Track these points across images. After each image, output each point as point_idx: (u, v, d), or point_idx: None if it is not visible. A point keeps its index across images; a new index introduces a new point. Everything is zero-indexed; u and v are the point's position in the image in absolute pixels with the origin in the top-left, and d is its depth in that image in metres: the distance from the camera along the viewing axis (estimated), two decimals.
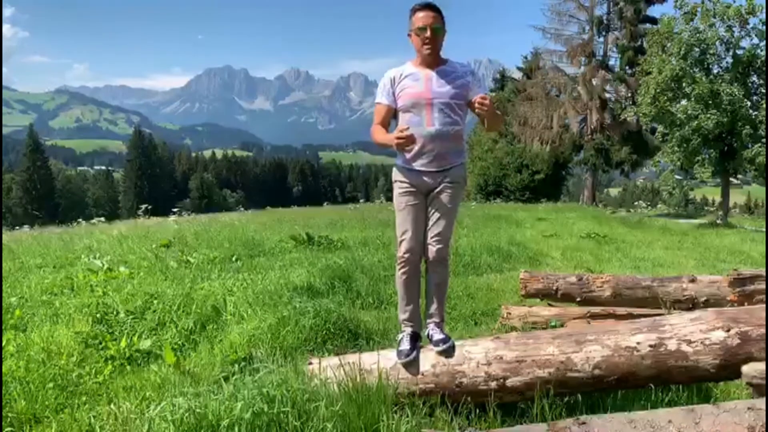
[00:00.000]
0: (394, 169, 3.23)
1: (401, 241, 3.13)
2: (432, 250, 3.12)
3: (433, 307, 3.23)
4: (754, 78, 18.89)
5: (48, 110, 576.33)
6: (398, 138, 2.87)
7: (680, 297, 4.61)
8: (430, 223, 3.14)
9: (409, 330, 3.18)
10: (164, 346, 3.88)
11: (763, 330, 2.58)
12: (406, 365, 3.00)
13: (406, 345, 3.08)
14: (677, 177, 21.35)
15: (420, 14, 3.02)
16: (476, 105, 2.89)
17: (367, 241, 9.00)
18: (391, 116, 3.15)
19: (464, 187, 3.29)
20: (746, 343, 2.57)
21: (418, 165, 3.09)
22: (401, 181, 3.15)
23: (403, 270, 3.15)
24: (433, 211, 3.13)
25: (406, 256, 3.12)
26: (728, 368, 2.59)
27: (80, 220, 15.05)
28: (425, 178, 3.10)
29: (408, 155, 3.07)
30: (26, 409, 3.10)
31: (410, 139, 2.90)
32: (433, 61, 3.07)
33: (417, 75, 3.06)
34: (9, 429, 2.97)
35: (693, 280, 4.66)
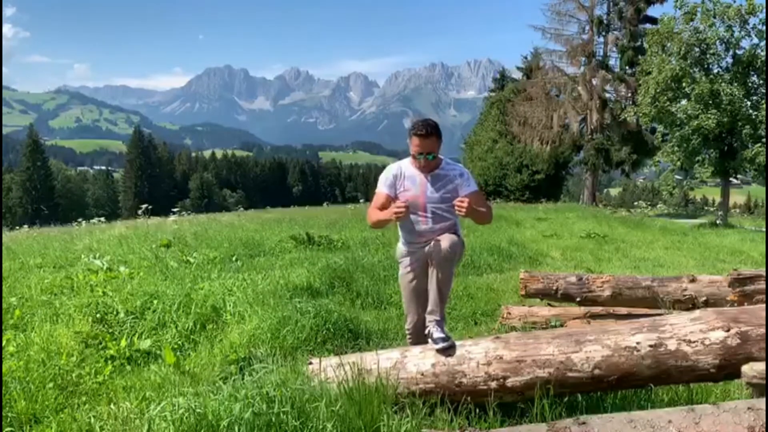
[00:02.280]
0: (397, 247, 3.60)
1: (407, 315, 3.57)
2: (438, 248, 3.20)
3: (435, 306, 3.25)
4: (754, 78, 18.89)
5: (48, 110, 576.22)
6: (397, 209, 3.16)
7: (680, 297, 4.61)
8: (438, 226, 3.35)
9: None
10: (164, 347, 3.88)
11: (763, 330, 2.58)
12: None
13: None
14: (677, 177, 21.28)
15: (416, 141, 3.31)
16: (456, 208, 3.15)
17: (367, 241, 9.00)
18: (389, 205, 3.39)
19: (462, 242, 3.45)
20: (746, 343, 2.57)
21: (416, 247, 3.44)
22: (404, 260, 3.51)
23: (411, 339, 3.55)
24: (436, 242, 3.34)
25: (413, 330, 3.52)
26: (728, 368, 2.59)
27: (80, 220, 15.04)
28: (425, 249, 3.40)
29: (408, 238, 3.44)
30: (26, 409, 3.10)
31: (407, 210, 3.20)
32: (428, 168, 3.39)
33: (414, 179, 3.39)
34: (9, 429, 2.97)
35: (693, 280, 4.66)
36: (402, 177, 3.42)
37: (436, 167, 3.40)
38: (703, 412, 2.22)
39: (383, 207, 3.39)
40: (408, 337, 3.59)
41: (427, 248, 3.33)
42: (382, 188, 3.44)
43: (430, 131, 3.30)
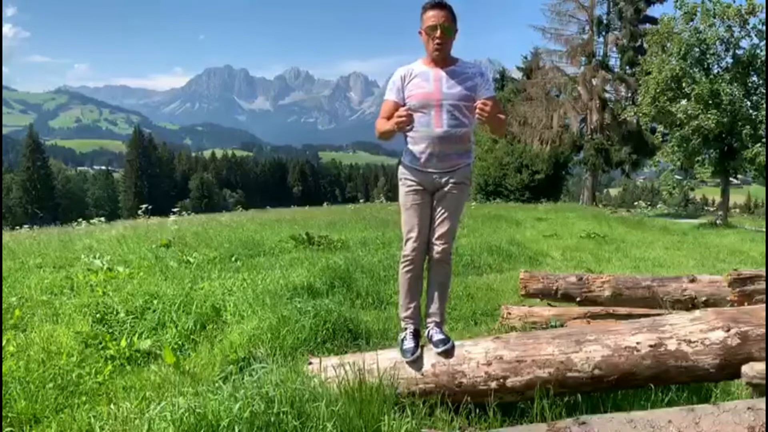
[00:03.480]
0: (400, 167, 3.22)
1: (407, 240, 3.13)
2: (436, 249, 3.13)
3: (434, 307, 3.22)
4: (754, 78, 18.86)
5: (48, 110, 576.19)
6: (398, 117, 2.86)
7: (680, 297, 4.61)
8: (435, 222, 3.15)
9: (410, 328, 3.19)
10: (164, 347, 3.88)
11: (763, 330, 2.58)
12: (410, 363, 3.00)
13: (410, 343, 3.08)
14: (677, 177, 21.29)
15: (430, 12, 2.98)
16: (477, 111, 2.86)
17: (367, 241, 9.00)
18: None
19: (469, 186, 3.29)
20: (746, 343, 2.57)
21: (424, 165, 3.08)
22: (407, 179, 3.15)
23: (407, 268, 3.16)
24: (438, 210, 3.14)
25: (413, 254, 3.13)
26: (728, 368, 2.59)
27: (80, 220, 15.04)
28: (432, 177, 3.11)
29: (415, 154, 3.08)
30: (26, 409, 3.10)
31: (410, 118, 2.89)
32: (443, 60, 3.04)
33: (427, 75, 3.03)
34: (9, 429, 2.97)
35: (693, 280, 4.66)
36: (411, 76, 3.06)
37: (452, 63, 3.06)
38: (703, 412, 2.22)
39: (390, 116, 3.03)
40: (406, 267, 3.16)
41: (430, 247, 3.08)
42: (388, 96, 3.12)
43: (444, 3, 2.99)
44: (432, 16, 2.97)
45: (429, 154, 3.06)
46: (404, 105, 3.05)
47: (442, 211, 3.13)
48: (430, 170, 3.09)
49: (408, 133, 3.09)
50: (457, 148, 3.09)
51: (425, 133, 3.02)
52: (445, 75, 3.02)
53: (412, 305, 3.22)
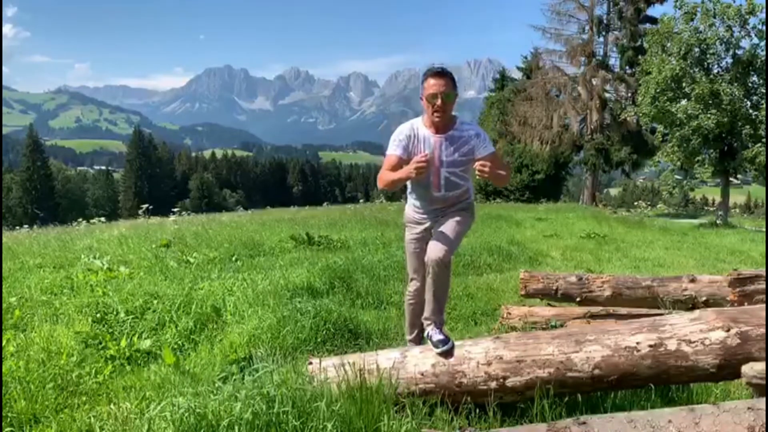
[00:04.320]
0: (405, 210, 3.46)
1: (411, 280, 3.45)
2: (434, 255, 3.12)
3: (434, 309, 3.24)
4: (754, 78, 18.88)
5: (48, 110, 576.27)
6: (418, 163, 2.93)
7: (680, 297, 4.61)
8: (437, 229, 3.23)
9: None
10: (163, 347, 3.88)
11: (763, 330, 2.58)
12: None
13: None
14: (677, 177, 21.27)
15: (431, 81, 3.11)
16: (477, 171, 2.97)
17: (367, 241, 9.00)
18: (401, 167, 3.18)
19: (470, 214, 3.38)
20: (746, 343, 2.57)
21: (425, 216, 3.32)
22: (411, 225, 3.40)
23: (411, 302, 3.46)
24: (441, 222, 3.26)
25: (416, 293, 3.43)
26: (728, 368, 2.58)
27: (80, 220, 15.02)
28: (433, 221, 3.32)
29: (416, 205, 3.34)
30: (26, 409, 3.10)
31: (428, 163, 2.99)
32: (443, 125, 3.17)
33: (428, 141, 3.17)
34: (9, 429, 2.97)
35: (693, 280, 4.66)
36: (415, 138, 3.18)
37: (451, 127, 3.18)
38: (703, 412, 2.22)
39: (394, 170, 3.16)
40: (409, 301, 3.45)
41: (428, 249, 3.19)
42: (393, 150, 3.20)
43: (446, 71, 3.14)
44: (433, 85, 3.10)
45: (429, 209, 3.31)
46: (409, 160, 3.13)
47: (442, 222, 3.25)
48: (430, 219, 3.32)
49: (409, 187, 3.33)
50: (456, 200, 3.29)
51: (424, 193, 3.26)
52: (445, 142, 3.17)
53: (416, 331, 3.50)
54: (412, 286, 3.44)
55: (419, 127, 3.22)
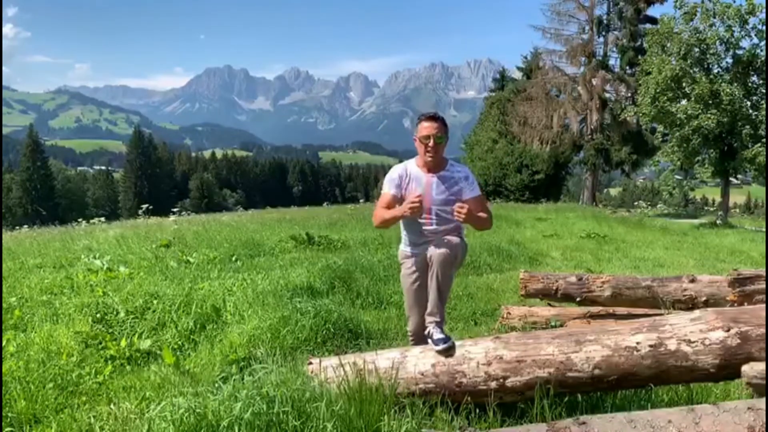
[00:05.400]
0: (400, 249, 3.58)
1: (409, 318, 3.55)
2: (438, 251, 3.17)
3: (434, 307, 3.24)
4: (754, 78, 18.88)
5: (48, 110, 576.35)
6: (412, 203, 3.12)
7: (680, 297, 4.61)
8: (443, 228, 3.33)
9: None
10: (163, 347, 3.88)
11: (763, 330, 2.57)
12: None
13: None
14: (677, 177, 21.27)
15: (425, 124, 3.33)
16: (455, 213, 3.13)
17: (367, 241, 9.00)
18: (395, 205, 3.39)
19: (464, 247, 3.42)
20: (746, 343, 2.57)
21: (418, 248, 3.42)
22: (405, 263, 3.50)
23: (413, 341, 3.53)
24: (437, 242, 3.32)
25: (415, 332, 3.50)
26: (728, 368, 2.58)
27: (80, 220, 15.02)
28: (427, 250, 3.36)
29: (410, 242, 3.44)
30: (26, 409, 3.10)
31: (422, 204, 3.16)
32: (435, 165, 3.36)
33: (420, 180, 3.37)
34: (9, 429, 2.97)
35: (693, 280, 4.66)
36: (407, 177, 3.40)
37: (442, 168, 3.38)
38: (703, 412, 2.22)
39: (389, 207, 3.37)
40: (410, 339, 3.58)
41: (429, 250, 3.29)
42: (387, 189, 3.42)
43: (438, 116, 3.37)
44: (426, 127, 3.32)
45: (421, 242, 3.42)
46: (402, 199, 3.36)
47: (438, 242, 3.29)
48: (423, 250, 3.39)
49: (402, 224, 3.45)
50: (446, 234, 3.37)
51: (417, 228, 3.40)
52: (436, 181, 3.36)
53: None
54: (410, 325, 3.55)
55: (412, 167, 3.43)
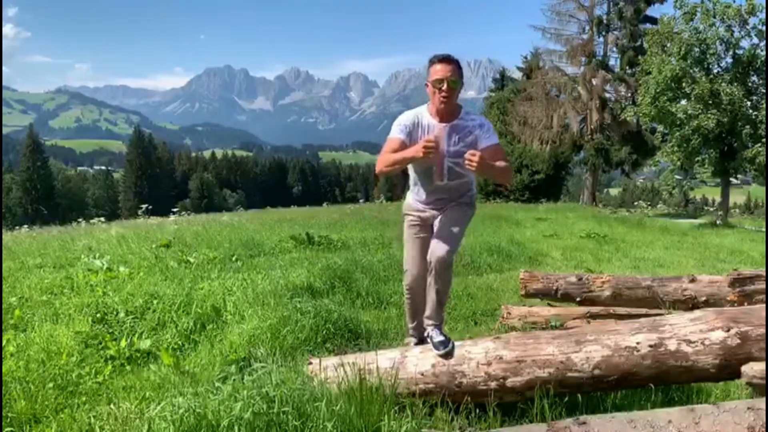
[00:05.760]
0: (405, 202, 3.40)
1: (407, 272, 3.32)
2: (437, 254, 3.11)
3: (434, 310, 3.24)
4: (754, 78, 18.88)
5: (48, 110, 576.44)
6: (427, 143, 2.83)
7: (680, 297, 4.61)
8: (438, 226, 3.20)
9: (414, 339, 3.40)
10: (161, 349, 3.88)
11: (763, 330, 2.57)
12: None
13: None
14: (677, 177, 21.24)
15: (438, 66, 3.06)
16: (465, 162, 2.87)
17: (367, 241, 9.00)
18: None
19: (472, 210, 3.34)
20: (746, 343, 2.57)
21: (426, 205, 3.26)
22: (409, 214, 3.33)
23: (408, 296, 3.37)
24: (442, 219, 3.22)
25: (412, 284, 3.31)
26: (728, 368, 2.58)
27: (80, 220, 15.02)
28: (433, 213, 3.27)
29: (418, 196, 3.28)
30: (26, 409, 3.10)
31: (437, 145, 2.89)
32: (448, 113, 3.11)
33: (433, 128, 3.10)
34: (9, 429, 2.97)
35: (693, 280, 4.66)
36: (419, 125, 3.12)
37: (455, 116, 3.12)
38: (703, 412, 2.22)
39: (396, 153, 3.08)
40: (406, 294, 3.35)
41: (432, 244, 3.14)
42: (396, 133, 3.12)
43: (452, 58, 3.08)
44: (439, 70, 3.05)
45: (431, 199, 3.25)
46: (409, 145, 3.08)
47: (446, 219, 3.20)
48: (430, 210, 3.27)
49: (411, 177, 3.27)
50: (458, 193, 3.24)
51: (427, 183, 3.19)
52: (449, 130, 3.11)
53: (416, 320, 3.42)
54: (407, 279, 3.31)
55: (424, 114, 3.15)
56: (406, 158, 2.99)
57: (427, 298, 3.27)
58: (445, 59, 3.07)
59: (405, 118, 3.16)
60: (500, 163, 3.04)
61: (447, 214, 3.20)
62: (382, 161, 3.08)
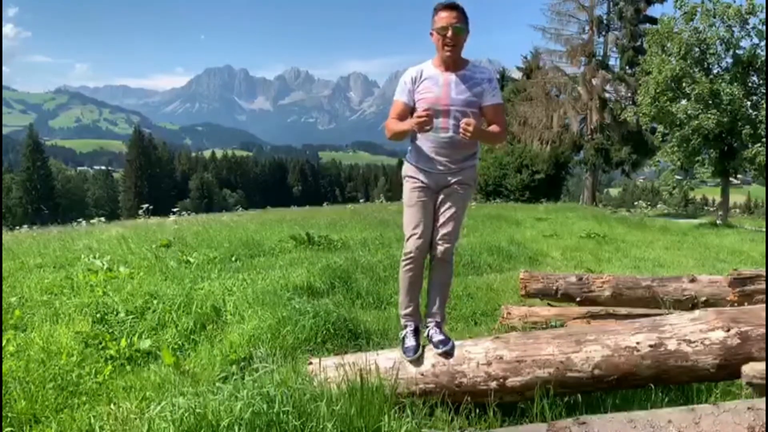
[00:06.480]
0: (405, 165, 3.20)
1: (410, 237, 3.08)
2: (439, 249, 3.11)
3: (435, 307, 3.22)
4: (754, 78, 18.87)
5: (48, 110, 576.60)
6: (419, 117, 2.82)
7: (680, 297, 4.61)
8: (439, 222, 3.14)
9: (411, 326, 3.18)
10: (162, 348, 3.88)
11: (763, 330, 2.58)
12: (412, 362, 2.99)
13: (411, 342, 3.08)
14: (677, 177, 21.25)
15: (442, 14, 2.96)
16: (461, 130, 2.86)
17: (367, 241, 8.99)
18: (408, 115, 3.07)
19: (474, 188, 3.29)
20: (746, 343, 2.57)
21: (430, 165, 3.09)
22: (412, 177, 3.14)
23: (408, 266, 3.11)
24: (442, 210, 3.14)
25: (415, 252, 3.07)
26: (728, 368, 2.59)
27: (80, 220, 15.02)
28: (437, 177, 3.12)
29: (421, 154, 3.09)
30: (26, 409, 3.10)
31: (430, 118, 2.86)
32: (453, 62, 3.02)
33: (437, 79, 3.00)
34: (9, 429, 2.97)
35: (693, 280, 4.66)
36: (421, 78, 3.01)
37: (462, 67, 3.01)
38: (703, 412, 2.22)
39: (401, 117, 3.04)
40: (407, 265, 3.10)
41: (434, 239, 3.04)
42: (399, 95, 3.06)
43: (456, 5, 2.96)
44: (444, 17, 2.95)
45: (435, 156, 3.07)
46: (414, 107, 3.04)
47: (446, 210, 3.12)
48: (435, 170, 3.10)
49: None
50: (463, 152, 3.10)
51: (432, 137, 3.02)
52: (455, 80, 2.99)
53: (413, 304, 3.20)
54: (411, 245, 3.05)
55: (427, 67, 3.06)
56: (405, 131, 2.97)
57: (429, 294, 3.24)
58: (449, 5, 2.95)
59: (407, 76, 3.08)
60: (494, 128, 3.01)
61: (448, 203, 3.10)
62: (389, 129, 3.09)
